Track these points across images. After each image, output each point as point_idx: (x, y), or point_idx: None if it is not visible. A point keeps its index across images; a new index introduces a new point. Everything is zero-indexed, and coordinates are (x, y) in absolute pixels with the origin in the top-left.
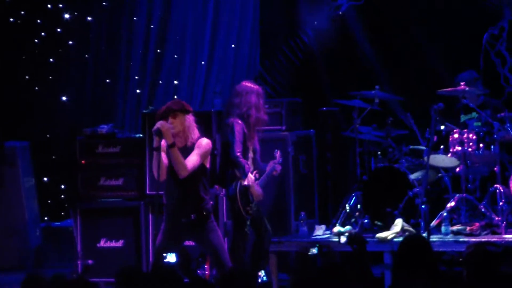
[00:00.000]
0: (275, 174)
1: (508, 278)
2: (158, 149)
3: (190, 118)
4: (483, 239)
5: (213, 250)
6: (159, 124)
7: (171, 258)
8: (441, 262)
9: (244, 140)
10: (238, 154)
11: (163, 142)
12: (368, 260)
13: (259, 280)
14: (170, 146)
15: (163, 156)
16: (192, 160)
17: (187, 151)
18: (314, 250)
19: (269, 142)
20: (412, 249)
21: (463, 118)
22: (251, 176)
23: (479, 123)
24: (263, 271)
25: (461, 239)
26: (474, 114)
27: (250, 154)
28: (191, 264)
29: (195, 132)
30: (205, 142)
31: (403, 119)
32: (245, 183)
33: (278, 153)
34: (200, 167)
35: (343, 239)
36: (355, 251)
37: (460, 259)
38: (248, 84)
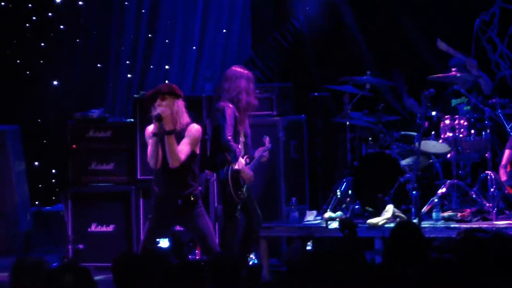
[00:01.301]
0: (264, 161)
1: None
2: (158, 135)
3: (179, 103)
4: (474, 225)
5: (201, 236)
6: (159, 110)
7: (163, 243)
8: (431, 248)
9: (235, 124)
10: (229, 138)
11: (151, 128)
12: (361, 245)
13: (250, 263)
14: (168, 133)
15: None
16: (183, 149)
17: (176, 135)
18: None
19: (260, 127)
20: (403, 235)
21: (453, 102)
22: (242, 160)
23: (469, 107)
24: (253, 254)
25: (452, 225)
26: (463, 99)
27: (241, 139)
28: (183, 249)
29: (184, 117)
30: (194, 129)
31: (395, 105)
32: (236, 167)
33: (267, 139)
34: (191, 154)
35: (333, 224)
36: (346, 236)
37: (450, 246)
38: (238, 68)
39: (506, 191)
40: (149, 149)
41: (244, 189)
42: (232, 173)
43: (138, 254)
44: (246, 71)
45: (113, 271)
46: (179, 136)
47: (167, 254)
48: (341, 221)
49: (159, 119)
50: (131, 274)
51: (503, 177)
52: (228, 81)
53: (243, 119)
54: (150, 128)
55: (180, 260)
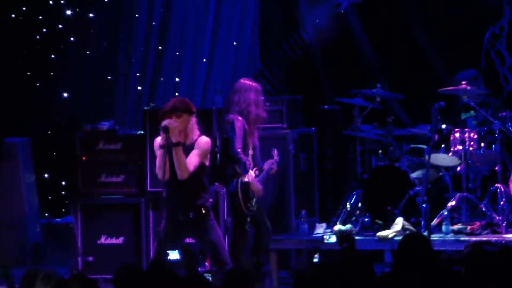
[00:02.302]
0: (272, 173)
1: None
2: (165, 146)
3: (193, 120)
4: (483, 238)
5: (213, 248)
6: (166, 122)
7: (173, 255)
8: (439, 261)
9: (244, 136)
10: (239, 150)
11: (159, 139)
12: (368, 257)
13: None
14: (175, 145)
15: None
16: (192, 161)
17: (184, 149)
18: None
19: (270, 140)
20: (412, 246)
21: (463, 116)
22: (251, 173)
23: (476, 122)
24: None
25: (461, 238)
26: (472, 113)
27: (250, 151)
28: (194, 262)
29: (195, 133)
30: (204, 141)
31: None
32: (246, 179)
33: (275, 152)
34: (200, 166)
35: (331, 238)
36: (344, 250)
37: (458, 258)
38: (246, 81)
39: None
40: (157, 160)
41: (254, 202)
42: (242, 186)
43: (139, 266)
44: (254, 84)
45: (114, 283)
46: (189, 150)
47: (176, 267)
48: (339, 235)
49: (166, 130)
50: (132, 286)
51: None
52: (237, 93)
53: (253, 132)
54: (159, 139)
55: (190, 272)
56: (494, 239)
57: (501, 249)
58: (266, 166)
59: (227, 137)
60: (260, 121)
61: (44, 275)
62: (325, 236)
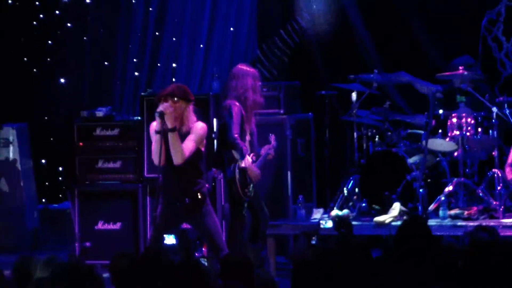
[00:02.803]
0: (269, 158)
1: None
2: (161, 132)
3: (190, 108)
4: (483, 223)
5: (209, 234)
6: (162, 107)
7: (169, 240)
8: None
9: (241, 122)
10: (236, 135)
11: (155, 125)
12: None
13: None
14: (170, 130)
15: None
16: (188, 146)
17: (180, 136)
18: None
19: (267, 126)
20: (411, 229)
21: (458, 99)
22: (248, 158)
23: (463, 100)
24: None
25: (459, 223)
26: (463, 98)
27: (247, 137)
28: (191, 247)
29: (192, 120)
30: (200, 126)
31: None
32: (243, 165)
33: (272, 137)
34: (196, 151)
35: (328, 223)
36: (342, 235)
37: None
38: (243, 67)
39: None
40: (153, 145)
41: (251, 187)
42: (239, 171)
43: (136, 253)
44: (252, 69)
45: (111, 270)
46: (185, 136)
47: (172, 252)
48: (337, 220)
49: (161, 116)
50: (129, 273)
51: (510, 176)
52: (234, 79)
53: (250, 117)
54: (154, 124)
55: (186, 257)
56: (491, 224)
57: (499, 242)
58: (263, 151)
59: (224, 123)
60: (257, 106)
61: (44, 263)
62: (321, 221)
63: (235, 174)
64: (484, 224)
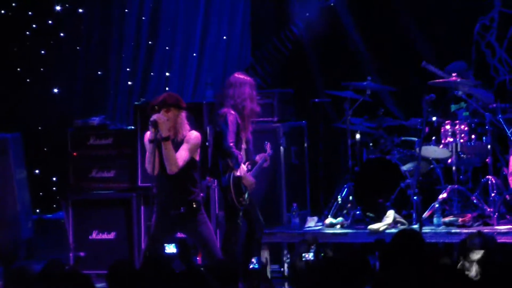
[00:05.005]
0: (265, 167)
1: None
2: (154, 141)
3: (182, 115)
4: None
5: (204, 243)
6: (155, 116)
7: (170, 249)
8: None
9: (237, 130)
10: (231, 144)
11: (149, 134)
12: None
13: (251, 267)
14: (164, 140)
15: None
16: (182, 155)
17: (175, 145)
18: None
19: (261, 133)
20: (404, 242)
21: (453, 108)
22: (243, 167)
23: (467, 113)
24: (255, 259)
25: (453, 231)
26: (462, 104)
27: (243, 145)
28: (191, 255)
29: (185, 128)
30: (194, 135)
31: (395, 110)
32: (238, 173)
33: (268, 146)
34: (190, 160)
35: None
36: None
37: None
38: (241, 75)
39: None
40: (147, 155)
41: (246, 196)
42: (234, 180)
43: (133, 261)
44: (249, 78)
45: (107, 279)
46: (180, 146)
47: (171, 261)
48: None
49: (155, 125)
50: (126, 282)
51: None
52: (231, 87)
53: (246, 126)
54: (149, 134)
55: (187, 266)
56: (485, 231)
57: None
58: (258, 159)
59: (220, 131)
60: (254, 115)
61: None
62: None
63: (230, 183)
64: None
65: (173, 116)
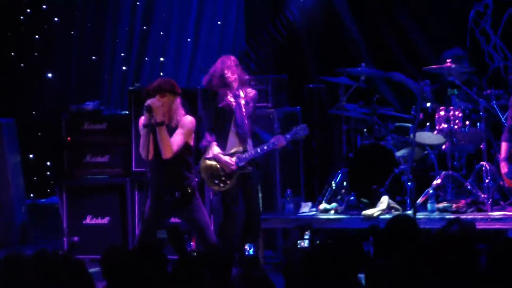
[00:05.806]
0: (278, 148)
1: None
2: (148, 126)
3: (177, 101)
4: (470, 216)
5: (198, 228)
6: (150, 101)
7: (162, 235)
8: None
9: (217, 113)
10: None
11: (143, 119)
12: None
13: (246, 253)
14: (158, 125)
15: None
16: (176, 140)
17: (169, 130)
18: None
19: (255, 119)
20: (398, 228)
21: (449, 92)
22: (214, 148)
23: (458, 100)
24: (249, 246)
25: (447, 216)
26: (455, 91)
27: (232, 128)
28: (183, 241)
29: (180, 114)
30: (188, 120)
31: (390, 96)
32: (209, 155)
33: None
34: (184, 145)
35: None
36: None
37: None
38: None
39: (506, 185)
40: (141, 140)
41: (225, 178)
42: (202, 164)
43: (127, 246)
44: (222, 57)
45: (102, 264)
46: (174, 131)
47: (165, 246)
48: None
49: (149, 110)
50: (120, 267)
51: (504, 169)
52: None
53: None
54: (143, 119)
55: (178, 252)
56: (479, 217)
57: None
58: (273, 140)
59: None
60: (227, 84)
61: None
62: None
63: (200, 168)
64: (468, 217)
65: (168, 102)
